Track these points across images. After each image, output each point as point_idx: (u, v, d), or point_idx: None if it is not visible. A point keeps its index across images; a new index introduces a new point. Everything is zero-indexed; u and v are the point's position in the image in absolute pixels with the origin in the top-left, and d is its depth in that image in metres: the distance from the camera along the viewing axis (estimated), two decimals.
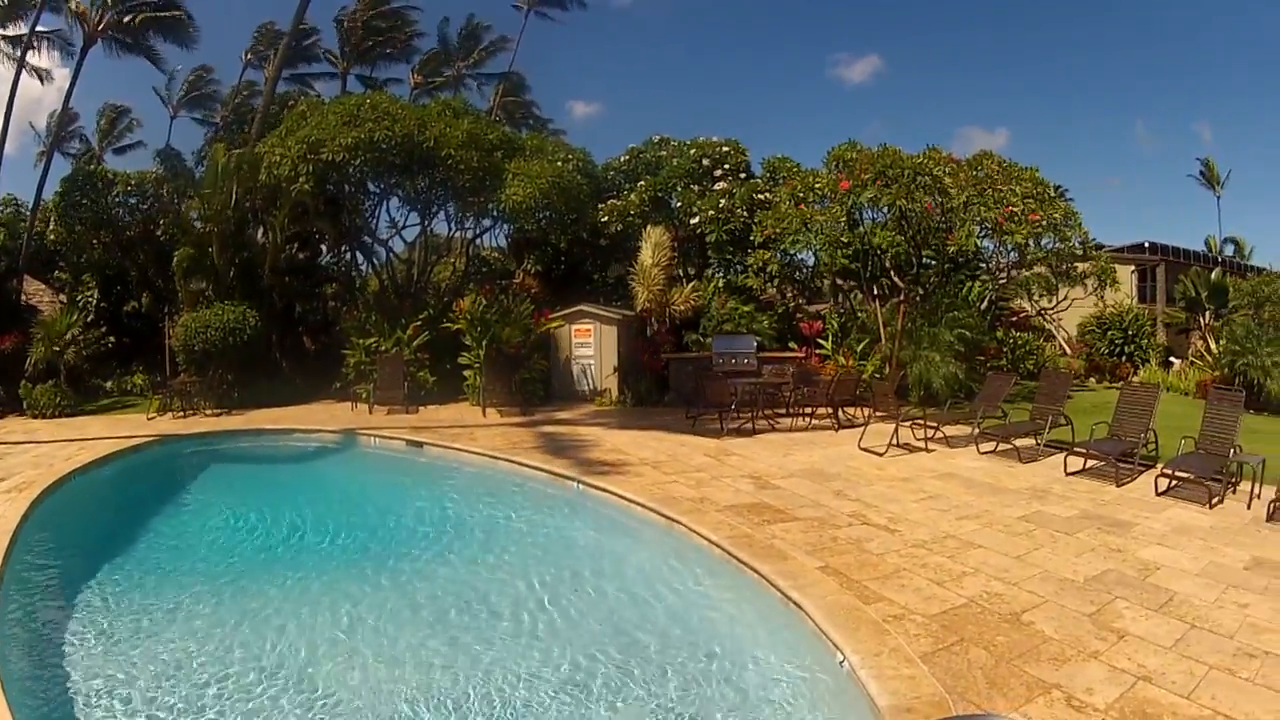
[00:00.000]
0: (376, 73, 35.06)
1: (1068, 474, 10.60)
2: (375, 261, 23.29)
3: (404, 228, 22.94)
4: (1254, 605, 6.01)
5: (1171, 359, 25.27)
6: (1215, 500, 9.05)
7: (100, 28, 22.31)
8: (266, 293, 18.78)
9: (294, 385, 17.93)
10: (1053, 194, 16.72)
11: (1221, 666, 4.99)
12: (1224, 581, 6.51)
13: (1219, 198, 54.27)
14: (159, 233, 19.45)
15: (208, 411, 15.65)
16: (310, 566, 7.60)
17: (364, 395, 16.38)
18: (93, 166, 21.03)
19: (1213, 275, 29.42)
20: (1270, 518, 8.38)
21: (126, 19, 22.93)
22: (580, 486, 10.08)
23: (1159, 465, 10.11)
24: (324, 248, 23.22)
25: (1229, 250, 50.54)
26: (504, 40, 37.85)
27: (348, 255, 23.73)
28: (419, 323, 18.36)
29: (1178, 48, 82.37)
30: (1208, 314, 27.93)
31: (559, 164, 20.05)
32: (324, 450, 13.36)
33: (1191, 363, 22.36)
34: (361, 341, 17.77)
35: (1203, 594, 6.23)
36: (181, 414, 15.34)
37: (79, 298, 19.65)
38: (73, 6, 21.97)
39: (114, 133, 40.24)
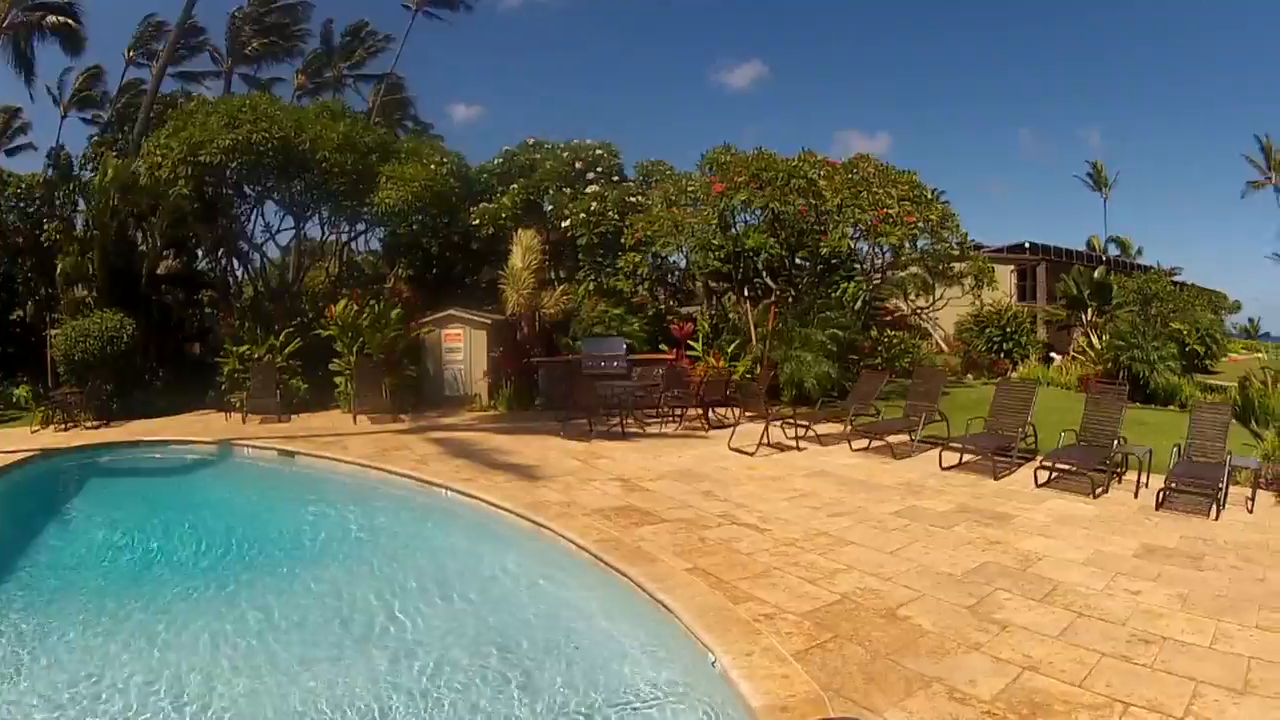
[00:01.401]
0: (261, 72, 34.17)
1: (943, 469, 10.37)
2: (250, 267, 22.39)
3: (279, 232, 22.36)
4: (1147, 592, 5.79)
5: (1053, 354, 25.90)
6: (1099, 490, 8.92)
7: (4, 24, 21.02)
8: (144, 300, 17.81)
9: (171, 395, 16.90)
10: (930, 196, 16.80)
11: (1115, 654, 4.75)
12: (1112, 570, 6.31)
13: (1106, 200, 57.50)
14: (43, 238, 18.31)
15: (87, 424, 14.70)
16: (181, 581, 7.24)
17: (238, 404, 15.60)
18: None
19: (1095, 273, 30.11)
20: (1160, 505, 8.25)
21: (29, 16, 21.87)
22: (448, 493, 9.70)
23: (1039, 458, 9.94)
24: (200, 253, 22.19)
25: (1114, 250, 52.94)
26: (387, 40, 36.89)
27: (223, 261, 22.63)
28: (291, 329, 17.50)
29: (1069, 52, 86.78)
30: (1090, 311, 28.58)
31: (432, 167, 19.65)
32: (200, 462, 12.84)
33: (1074, 358, 22.88)
34: (236, 349, 16.88)
35: (1090, 583, 6.01)
36: (63, 426, 14.44)
37: None
38: None
39: (6, 134, 37.96)
